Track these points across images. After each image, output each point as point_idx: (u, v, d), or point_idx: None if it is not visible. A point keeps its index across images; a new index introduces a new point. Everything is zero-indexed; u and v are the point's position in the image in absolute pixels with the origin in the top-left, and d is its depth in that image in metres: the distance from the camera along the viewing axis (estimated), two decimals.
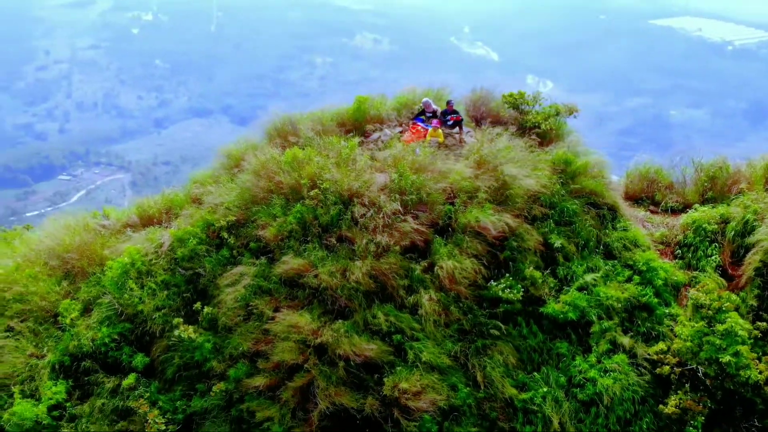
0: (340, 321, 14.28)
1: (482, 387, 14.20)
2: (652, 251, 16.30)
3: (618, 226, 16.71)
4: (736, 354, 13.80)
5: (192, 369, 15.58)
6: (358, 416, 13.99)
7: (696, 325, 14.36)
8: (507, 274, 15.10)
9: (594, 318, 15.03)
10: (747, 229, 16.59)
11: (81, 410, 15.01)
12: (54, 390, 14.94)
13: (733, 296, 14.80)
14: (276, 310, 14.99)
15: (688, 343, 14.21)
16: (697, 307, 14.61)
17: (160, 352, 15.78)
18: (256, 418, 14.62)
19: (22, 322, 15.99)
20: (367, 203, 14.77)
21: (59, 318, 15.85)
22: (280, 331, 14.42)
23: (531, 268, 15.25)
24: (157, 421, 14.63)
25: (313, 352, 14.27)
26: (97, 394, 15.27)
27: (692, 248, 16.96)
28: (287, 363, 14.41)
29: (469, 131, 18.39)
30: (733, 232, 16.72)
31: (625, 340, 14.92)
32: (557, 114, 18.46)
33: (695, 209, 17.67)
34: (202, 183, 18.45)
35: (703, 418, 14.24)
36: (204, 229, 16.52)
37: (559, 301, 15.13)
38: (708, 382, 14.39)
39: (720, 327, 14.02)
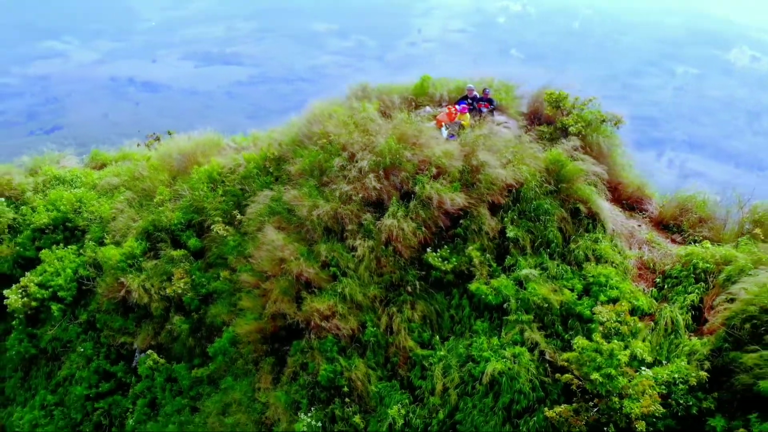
0: (297, 243, 17.37)
1: (383, 331, 16.09)
2: (613, 269, 15.85)
3: (591, 236, 16.48)
4: (609, 377, 13.44)
5: (222, 258, 20.11)
6: (289, 320, 17.07)
7: (598, 341, 14.14)
8: (445, 246, 16.45)
9: (513, 308, 15.61)
10: (739, 277, 15.09)
11: (146, 265, 20.60)
12: (133, 245, 20.78)
13: (640, 324, 14.13)
14: (278, 228, 18.64)
15: (575, 354, 14.14)
16: (601, 323, 14.32)
17: (208, 241, 20.62)
18: (239, 306, 18.61)
19: (136, 196, 22.25)
20: (346, 156, 17.42)
21: (155, 199, 21.70)
22: (264, 243, 18.06)
23: (473, 248, 16.32)
24: (177, 284, 19.54)
25: (278, 263, 17.63)
26: (159, 258, 20.77)
27: (675, 281, 15.96)
28: (263, 269, 18.04)
29: (507, 122, 19.35)
30: (725, 276, 15.33)
31: (537, 337, 15.25)
32: (601, 121, 18.32)
33: (701, 245, 16.33)
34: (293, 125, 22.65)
35: None
36: (262, 158, 20.78)
37: (488, 284, 16.01)
38: (595, 400, 14.15)
39: (605, 346, 13.71)
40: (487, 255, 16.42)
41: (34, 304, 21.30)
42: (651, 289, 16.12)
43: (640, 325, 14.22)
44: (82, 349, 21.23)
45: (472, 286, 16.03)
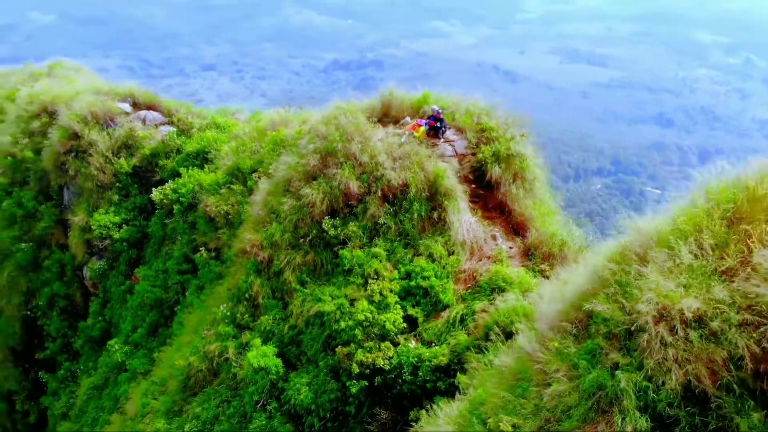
0: (270, 195, 24.43)
1: (282, 265, 22.42)
2: (434, 265, 19.70)
3: (435, 238, 20.33)
4: (350, 327, 18.11)
5: None
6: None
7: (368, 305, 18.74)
8: (338, 219, 21.92)
9: (356, 272, 20.61)
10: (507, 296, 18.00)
11: (222, 191, 29.55)
12: (218, 176, 29.92)
13: (391, 300, 18.27)
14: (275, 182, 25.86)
15: (355, 309, 18.92)
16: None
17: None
18: (242, 229, 26.49)
19: (238, 145, 31.32)
20: (309, 139, 23.80)
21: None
22: (257, 190, 25.55)
23: (354, 225, 21.53)
24: (222, 206, 28.13)
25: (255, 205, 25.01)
26: (230, 188, 29.55)
27: (478, 289, 19.21)
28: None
29: (455, 141, 23.35)
30: (506, 294, 18.28)
31: (359, 296, 20.12)
32: (508, 155, 21.46)
33: (505, 266, 19.14)
34: None
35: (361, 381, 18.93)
36: (296, 135, 27.97)
37: (351, 252, 21.18)
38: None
39: (359, 307, 18.30)
40: (362, 232, 21.50)
41: (165, 201, 32.04)
42: (463, 291, 19.63)
43: (390, 300, 18.43)
44: (181, 239, 31.40)
45: (341, 252, 21.41)
